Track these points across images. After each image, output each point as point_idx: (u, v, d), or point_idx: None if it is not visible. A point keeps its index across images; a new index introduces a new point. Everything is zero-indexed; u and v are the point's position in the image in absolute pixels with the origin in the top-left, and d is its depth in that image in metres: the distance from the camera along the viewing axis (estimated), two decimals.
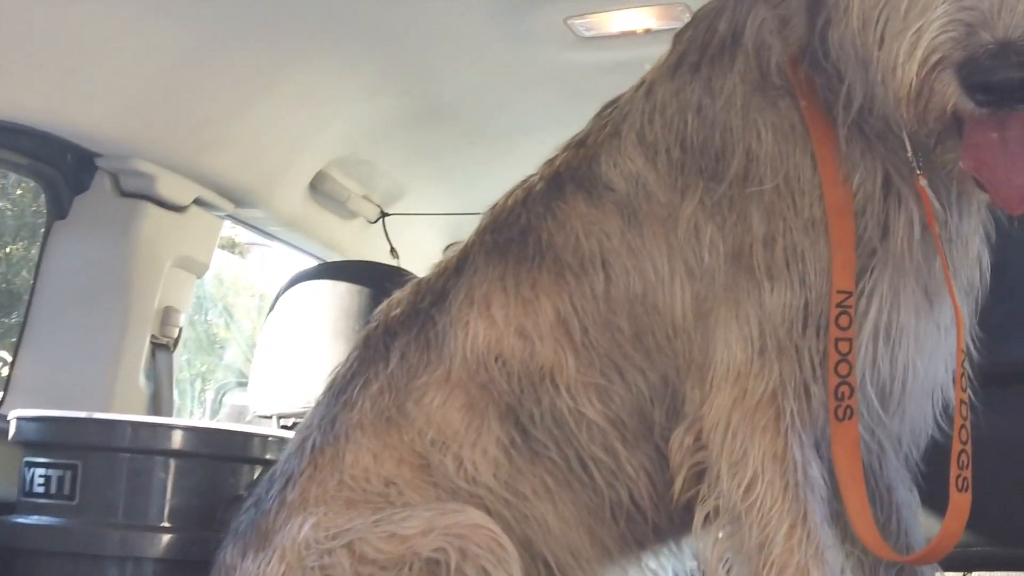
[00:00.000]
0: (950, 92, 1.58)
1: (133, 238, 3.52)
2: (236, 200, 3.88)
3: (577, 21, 3.39)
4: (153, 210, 3.56)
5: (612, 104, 2.22)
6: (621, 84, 3.73)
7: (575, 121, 4.11)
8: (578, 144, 2.20)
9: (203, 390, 8.10)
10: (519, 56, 3.64)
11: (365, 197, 4.67)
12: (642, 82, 2.17)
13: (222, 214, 3.93)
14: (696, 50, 2.09)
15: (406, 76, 3.82)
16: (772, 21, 1.98)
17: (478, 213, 5.09)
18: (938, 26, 1.56)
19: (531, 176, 2.24)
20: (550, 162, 2.22)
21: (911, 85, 1.61)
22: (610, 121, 2.17)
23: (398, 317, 2.21)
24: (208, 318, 9.21)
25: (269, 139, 3.77)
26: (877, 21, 1.70)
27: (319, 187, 4.31)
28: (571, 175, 2.15)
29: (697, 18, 2.16)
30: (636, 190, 2.06)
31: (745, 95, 1.98)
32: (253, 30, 3.29)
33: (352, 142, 4.20)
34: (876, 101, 1.81)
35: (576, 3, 3.29)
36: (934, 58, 1.58)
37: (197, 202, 3.74)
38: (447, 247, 5.64)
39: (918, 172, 1.84)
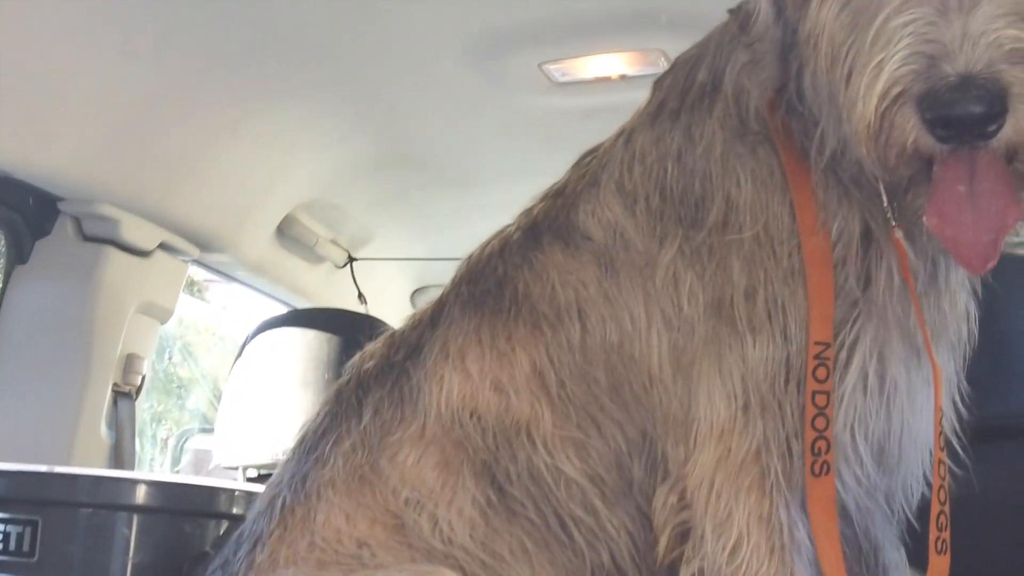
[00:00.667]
0: (910, 127, 1.54)
1: (96, 284, 3.45)
2: (202, 244, 3.82)
3: (552, 66, 3.37)
4: (117, 255, 3.49)
5: (591, 153, 2.17)
6: (595, 130, 3.71)
7: (547, 166, 4.06)
8: (556, 194, 2.16)
9: (159, 433, 7.98)
10: (492, 101, 3.62)
11: (333, 241, 4.64)
12: (621, 130, 2.13)
13: (187, 259, 3.86)
14: (676, 97, 2.06)
15: (376, 121, 3.79)
16: (750, 67, 1.95)
17: (447, 259, 5.12)
18: (900, 58, 1.53)
19: (508, 226, 2.19)
20: (527, 212, 2.17)
21: (871, 119, 1.58)
22: (589, 170, 2.13)
23: (371, 370, 2.15)
24: (167, 357, 9.09)
25: (236, 183, 3.72)
26: (844, 57, 1.67)
27: (286, 231, 4.27)
28: (548, 225, 2.10)
29: (676, 65, 2.13)
30: (614, 239, 2.01)
31: (725, 142, 1.94)
32: (221, 73, 3.25)
33: (320, 186, 4.16)
34: (848, 144, 1.76)
35: (551, 48, 3.28)
36: (895, 91, 1.54)
37: (162, 247, 3.67)
38: (414, 292, 5.62)
39: (894, 223, 1.81)
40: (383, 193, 4.44)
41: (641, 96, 3.38)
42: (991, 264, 1.61)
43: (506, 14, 3.07)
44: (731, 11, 2.06)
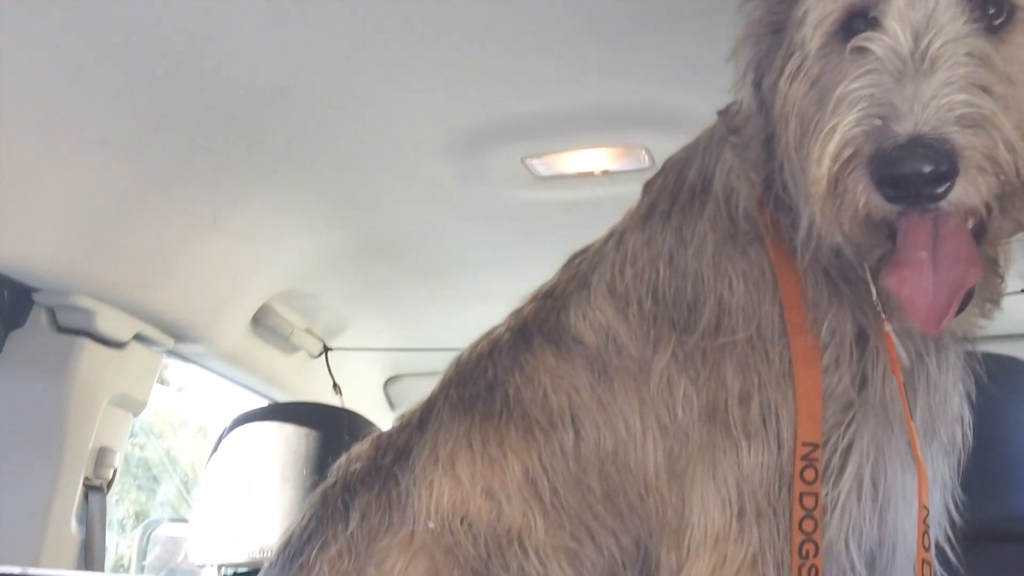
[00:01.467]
0: (861, 188, 1.56)
1: (70, 376, 3.38)
2: (177, 335, 3.77)
3: (535, 161, 3.37)
4: (91, 346, 3.44)
5: (581, 253, 2.18)
6: (576, 222, 3.75)
7: (527, 257, 4.14)
8: (546, 295, 2.15)
9: (116, 514, 7.82)
10: (472, 194, 3.61)
11: (307, 331, 4.61)
12: (612, 232, 2.14)
13: (162, 349, 3.81)
14: (667, 198, 2.07)
15: (354, 212, 3.78)
16: (739, 167, 1.97)
17: (422, 349, 5.08)
18: (852, 121, 1.56)
19: (497, 327, 2.18)
20: (517, 313, 2.16)
21: (824, 181, 1.60)
22: (579, 271, 2.13)
23: (358, 473, 2.11)
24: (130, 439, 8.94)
25: (213, 274, 3.69)
26: (811, 131, 1.70)
27: (262, 321, 4.23)
28: (539, 327, 2.09)
29: (667, 167, 2.15)
30: (606, 343, 2.01)
31: (716, 243, 1.96)
32: (201, 165, 3.24)
33: (297, 276, 4.13)
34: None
35: (535, 143, 3.28)
36: (847, 152, 1.56)
37: (137, 338, 3.61)
38: (388, 380, 5.58)
39: (883, 316, 1.82)
40: (359, 282, 4.41)
41: (624, 191, 3.41)
42: (945, 323, 1.62)
43: (490, 110, 3.07)
44: (719, 112, 2.10)
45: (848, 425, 1.85)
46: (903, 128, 1.49)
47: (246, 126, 3.09)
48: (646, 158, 3.33)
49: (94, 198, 3.07)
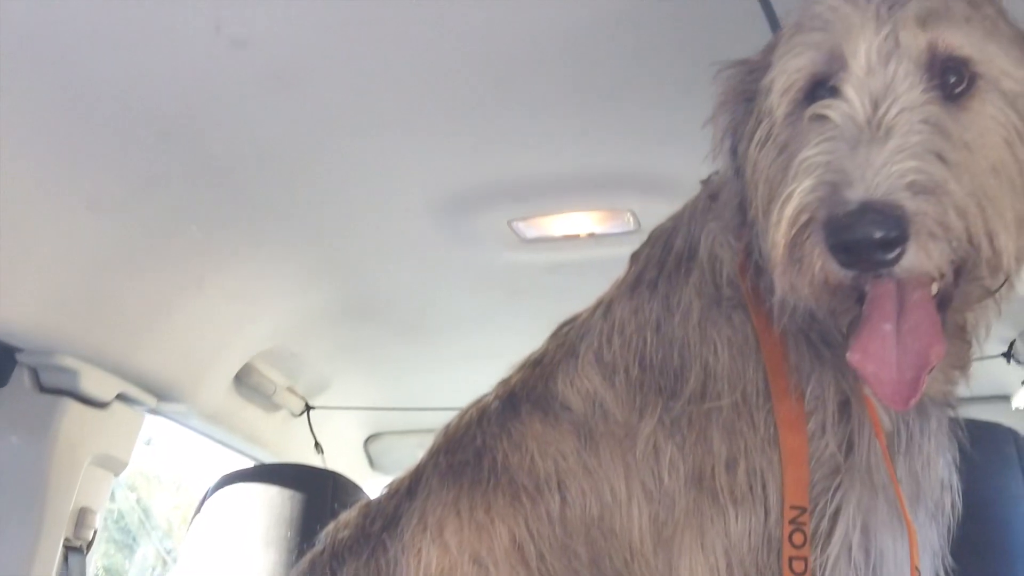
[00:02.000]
0: (817, 254, 1.57)
1: (52, 436, 3.36)
2: (160, 394, 3.75)
3: (521, 223, 3.40)
4: (74, 406, 3.42)
5: (569, 323, 2.20)
6: (560, 284, 3.79)
7: (509, 317, 4.16)
8: (534, 363, 2.17)
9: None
10: (458, 255, 3.64)
11: (290, 389, 4.60)
12: (600, 301, 2.16)
13: (144, 409, 3.79)
14: (654, 267, 2.10)
15: (339, 271, 3.80)
16: (722, 235, 2.01)
17: (403, 408, 5.08)
18: (808, 187, 1.58)
19: (486, 395, 2.19)
20: (505, 381, 2.18)
21: (782, 246, 1.62)
22: (567, 340, 2.15)
23: (346, 541, 2.11)
24: None
25: (198, 334, 3.69)
26: (777, 196, 1.71)
27: (244, 380, 4.23)
28: (527, 394, 2.11)
29: (653, 237, 2.18)
30: (593, 410, 2.02)
31: (701, 309, 1.98)
32: (188, 225, 3.25)
33: (281, 335, 4.14)
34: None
35: (521, 207, 3.31)
36: (803, 217, 1.58)
37: (120, 397, 3.60)
38: (368, 438, 5.57)
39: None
40: (343, 341, 4.42)
41: (609, 253, 3.48)
42: (913, 402, 1.63)
43: (477, 174, 3.11)
44: (703, 181, 2.13)
45: (836, 490, 1.86)
46: (854, 194, 1.51)
47: (235, 188, 3.11)
48: (632, 221, 3.36)
49: (82, 259, 3.08)
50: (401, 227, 3.44)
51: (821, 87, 1.73)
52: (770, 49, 1.85)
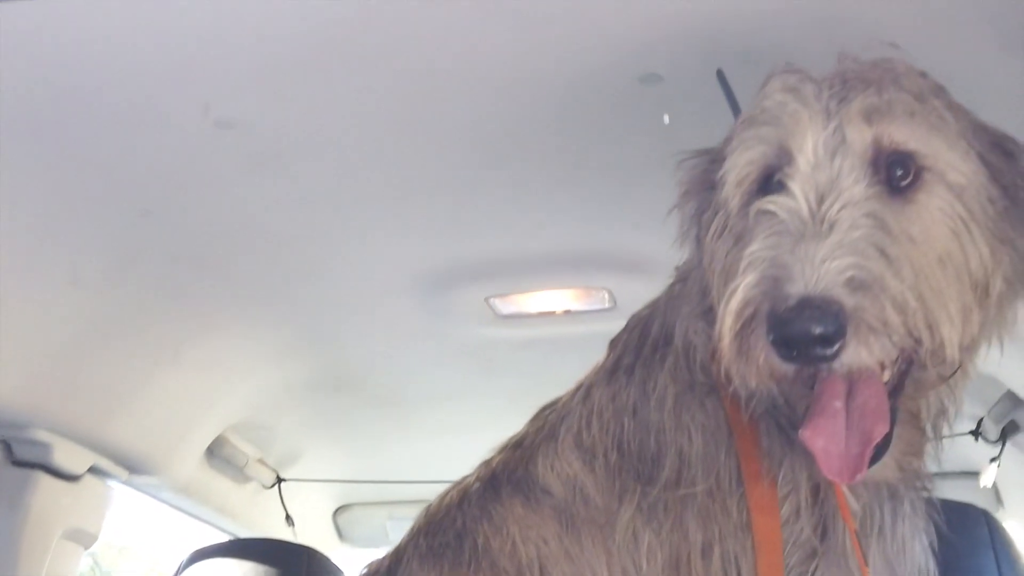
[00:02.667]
0: (761, 346, 1.60)
1: (23, 509, 3.33)
2: (131, 467, 3.73)
3: (498, 300, 3.43)
4: (45, 480, 3.39)
5: (549, 406, 2.22)
6: (534, 358, 3.82)
7: (482, 390, 4.19)
8: (515, 445, 2.18)
9: None
10: (433, 330, 3.66)
11: (261, 461, 4.58)
12: (579, 385, 2.19)
13: (116, 482, 3.77)
14: (631, 353, 2.13)
15: (316, 345, 3.80)
16: (695, 321, 2.03)
17: (373, 481, 5.06)
18: (752, 281, 1.61)
19: (466, 476, 2.20)
20: (487, 463, 2.19)
21: (729, 339, 1.64)
22: (547, 423, 2.17)
23: None
24: None
25: (173, 406, 3.68)
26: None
27: (216, 452, 4.22)
28: (508, 477, 2.12)
29: (631, 324, 2.21)
30: (574, 494, 2.03)
31: (676, 395, 2.00)
32: (166, 300, 3.26)
33: (254, 407, 4.14)
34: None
35: (498, 284, 3.34)
36: (747, 311, 1.61)
37: (91, 470, 3.57)
38: (337, 509, 5.55)
39: None
40: (316, 413, 4.42)
41: (584, 330, 3.51)
42: (859, 476, 1.65)
43: (457, 251, 3.14)
44: (678, 268, 2.16)
45: (812, 574, 1.88)
46: (795, 289, 1.54)
47: (214, 263, 3.13)
48: (608, 299, 3.41)
49: (60, 333, 3.08)
50: (378, 302, 3.46)
51: (772, 180, 1.77)
52: (728, 140, 1.90)
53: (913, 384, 1.74)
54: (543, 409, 2.22)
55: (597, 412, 2.08)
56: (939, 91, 1.79)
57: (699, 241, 1.96)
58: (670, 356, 2.05)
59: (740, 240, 1.79)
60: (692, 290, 2.04)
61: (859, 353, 1.54)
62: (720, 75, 2.20)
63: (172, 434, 3.80)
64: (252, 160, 2.58)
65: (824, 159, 1.69)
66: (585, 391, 2.14)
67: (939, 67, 1.84)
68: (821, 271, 1.54)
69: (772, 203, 1.69)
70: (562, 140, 2.59)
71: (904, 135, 1.71)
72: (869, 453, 1.65)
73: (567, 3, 2.08)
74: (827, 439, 1.66)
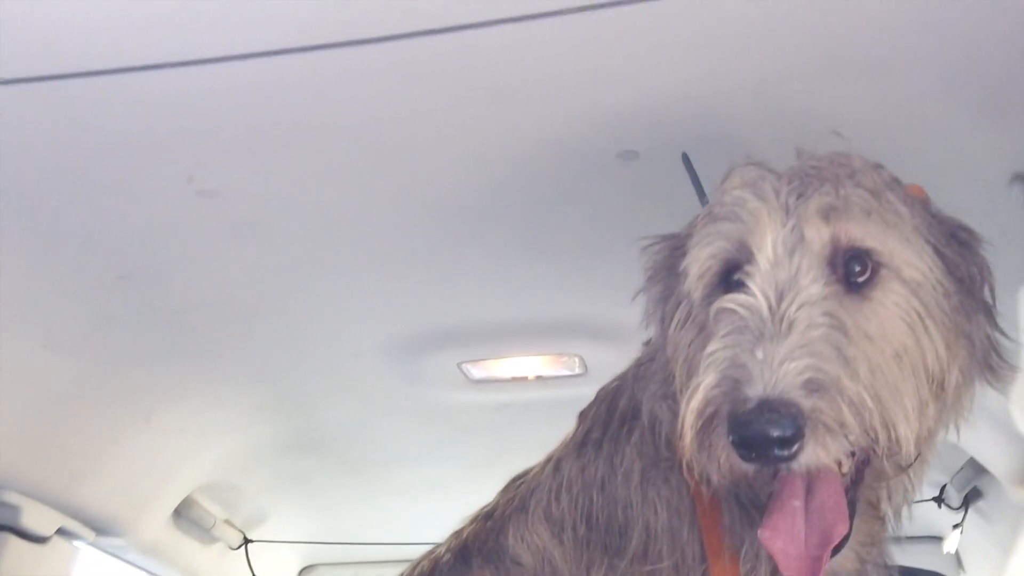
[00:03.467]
0: (722, 445, 1.62)
1: None
2: (99, 529, 3.72)
3: (470, 365, 3.49)
4: (13, 541, 3.38)
5: (520, 477, 2.23)
6: (504, 422, 3.86)
7: (451, 452, 4.21)
8: (486, 516, 2.20)
9: None
10: (405, 394, 3.70)
11: (227, 522, 4.57)
12: (549, 458, 2.21)
13: (83, 543, 3.75)
14: (599, 427, 2.15)
15: (287, 408, 3.83)
16: (662, 401, 2.06)
17: (339, 543, 5.05)
18: (711, 382, 1.63)
19: (438, 546, 2.22)
20: (457, 533, 2.21)
21: (691, 436, 1.66)
22: (518, 494, 2.18)
23: None
24: None
25: (142, 468, 3.69)
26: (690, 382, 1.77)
27: (184, 513, 4.21)
28: (479, 548, 2.14)
29: (599, 397, 2.23)
30: (543, 565, 2.05)
31: (642, 470, 2.03)
32: (139, 363, 3.28)
33: (222, 469, 4.15)
34: None
35: (471, 350, 3.40)
36: (708, 410, 1.63)
37: (59, 532, 3.56)
38: (302, 570, 5.52)
39: None
40: (284, 474, 4.44)
41: (554, 395, 3.56)
42: None
43: (431, 318, 3.19)
44: (645, 343, 2.21)
45: None
46: (753, 392, 1.57)
47: (189, 327, 3.16)
48: (579, 365, 3.46)
49: (33, 396, 3.09)
50: (351, 366, 3.50)
51: (732, 275, 1.81)
52: (692, 227, 1.94)
53: (872, 474, 1.78)
54: (514, 480, 2.24)
55: (566, 485, 2.10)
56: (894, 185, 1.84)
57: (663, 324, 2.00)
58: (636, 431, 2.08)
59: (702, 331, 1.83)
60: (657, 370, 2.07)
61: (816, 453, 1.57)
62: (685, 159, 2.27)
63: (140, 495, 3.79)
64: (231, 228, 2.63)
65: (783, 257, 1.73)
66: (555, 464, 2.17)
67: (897, 148, 1.91)
68: (779, 373, 1.57)
69: (732, 302, 1.72)
70: (538, 211, 2.65)
71: (861, 233, 1.76)
72: (828, 556, 1.68)
73: (544, 81, 2.15)
74: (786, 540, 1.68)
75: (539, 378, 3.57)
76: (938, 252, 1.81)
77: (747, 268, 1.76)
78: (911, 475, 1.87)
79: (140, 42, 1.99)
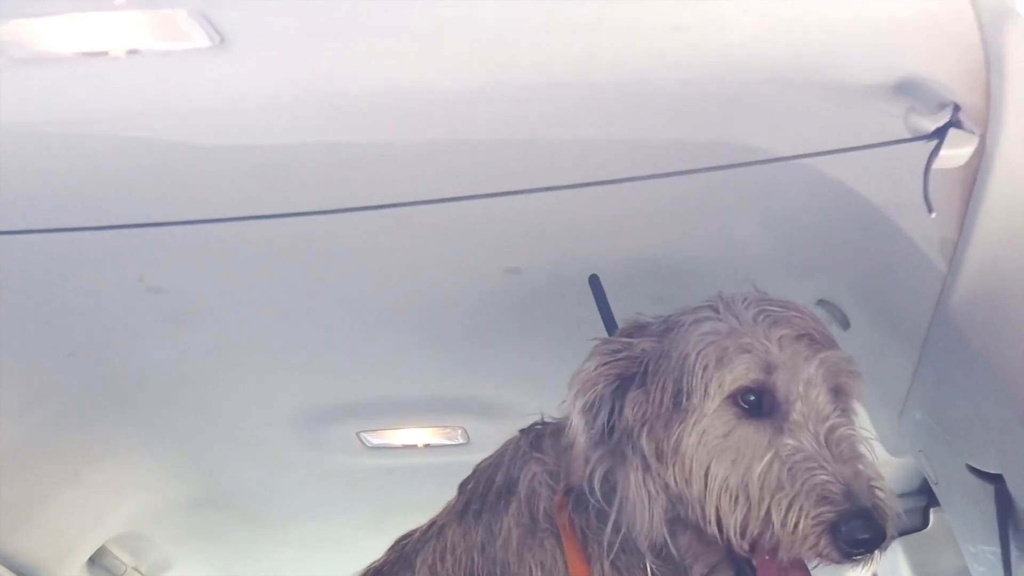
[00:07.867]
0: None
1: None
2: (23, 574, 3.99)
3: (368, 434, 3.94)
4: None
5: (406, 537, 2.49)
6: (395, 483, 4.27)
7: (347, 510, 4.59)
8: (375, 572, 2.47)
9: None
10: (307, 458, 4.10)
11: (135, 569, 4.85)
12: (433, 522, 2.46)
13: None
14: (478, 499, 2.39)
15: (200, 467, 4.19)
16: (543, 475, 2.31)
17: None
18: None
19: None
20: None
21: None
22: (404, 552, 2.44)
23: None
24: None
25: (68, 519, 4.02)
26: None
27: (98, 561, 4.51)
28: None
29: (478, 471, 2.48)
30: None
31: (519, 536, 2.25)
32: (72, 427, 3.63)
33: (136, 520, 4.47)
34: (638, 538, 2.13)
35: (370, 420, 3.84)
36: None
37: None
38: None
39: None
40: (191, 527, 4.76)
41: (439, 460, 4.04)
42: None
43: (334, 396, 3.62)
44: (522, 431, 2.49)
45: None
46: None
47: (118, 398, 3.54)
48: (463, 436, 3.96)
49: None
50: (260, 432, 3.91)
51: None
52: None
53: None
54: (400, 539, 2.51)
55: (450, 548, 2.36)
56: None
57: (592, 427, 2.19)
58: (513, 503, 2.32)
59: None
60: (549, 454, 2.34)
61: None
62: (593, 281, 2.57)
63: (62, 544, 4.11)
64: (170, 315, 3.02)
65: None
66: (439, 528, 2.42)
67: None
68: None
69: None
70: (431, 311, 3.07)
71: None
72: None
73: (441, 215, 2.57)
74: None
75: (427, 446, 4.06)
76: None
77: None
78: None
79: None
